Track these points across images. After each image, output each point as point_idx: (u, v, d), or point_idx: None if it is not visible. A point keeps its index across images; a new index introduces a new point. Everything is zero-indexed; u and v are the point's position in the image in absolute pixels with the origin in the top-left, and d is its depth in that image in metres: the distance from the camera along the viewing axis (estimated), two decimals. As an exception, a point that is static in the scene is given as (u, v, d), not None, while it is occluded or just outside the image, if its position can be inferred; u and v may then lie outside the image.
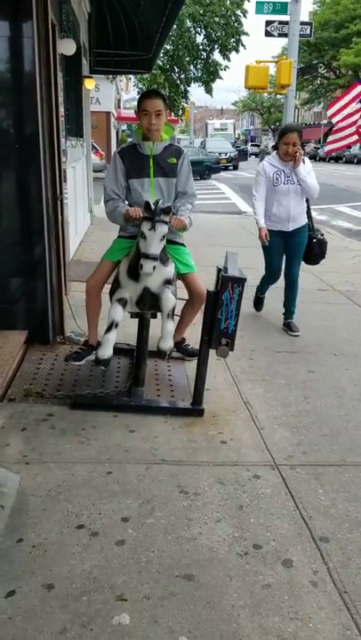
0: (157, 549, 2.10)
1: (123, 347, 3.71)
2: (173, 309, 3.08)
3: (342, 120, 8.35)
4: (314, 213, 6.71)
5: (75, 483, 2.46)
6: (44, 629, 1.74)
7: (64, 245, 4.18)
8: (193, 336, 3.48)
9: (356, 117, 7.86)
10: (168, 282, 3.06)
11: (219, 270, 3.05)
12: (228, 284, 2.92)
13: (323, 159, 35.63)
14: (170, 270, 3.09)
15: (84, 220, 8.63)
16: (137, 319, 3.31)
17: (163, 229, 2.84)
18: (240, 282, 2.93)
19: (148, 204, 2.82)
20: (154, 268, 2.85)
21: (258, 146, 53.00)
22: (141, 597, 1.88)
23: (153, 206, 2.81)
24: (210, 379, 3.28)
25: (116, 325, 3.01)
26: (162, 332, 3.02)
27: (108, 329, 3.00)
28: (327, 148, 8.95)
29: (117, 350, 3.17)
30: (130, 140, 3.44)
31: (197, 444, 2.86)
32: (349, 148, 36.44)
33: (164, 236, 2.88)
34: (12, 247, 3.69)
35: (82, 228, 8.12)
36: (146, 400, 3.26)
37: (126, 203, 3.25)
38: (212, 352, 3.07)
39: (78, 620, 1.78)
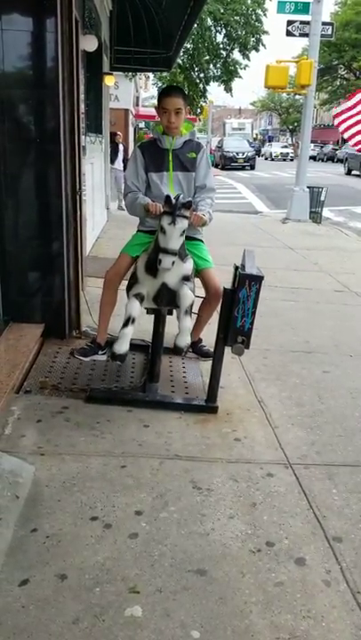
0: (170, 543, 2.10)
1: (138, 342, 3.72)
2: (191, 306, 3.07)
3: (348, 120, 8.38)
4: (331, 214, 6.61)
5: (89, 475, 2.48)
6: (56, 619, 1.76)
7: (82, 240, 4.20)
8: (208, 335, 3.47)
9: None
10: (186, 278, 3.05)
11: (236, 268, 3.04)
12: (246, 281, 2.91)
13: (340, 160, 35.38)
14: (188, 267, 3.08)
15: (101, 217, 8.67)
16: (153, 315, 3.32)
17: (183, 224, 2.84)
18: (257, 279, 2.92)
19: (168, 198, 2.82)
20: (173, 263, 2.85)
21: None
22: (154, 591, 1.89)
23: (174, 200, 2.81)
24: (224, 377, 3.28)
25: (133, 321, 3.01)
26: (179, 328, 3.02)
27: (125, 324, 3.00)
28: (352, 142, 8.83)
29: (133, 346, 3.18)
30: (150, 136, 3.47)
31: (211, 441, 2.86)
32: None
33: (183, 231, 2.87)
34: (31, 240, 3.72)
35: (99, 224, 8.16)
36: (160, 396, 3.27)
37: (145, 196, 3.26)
38: (227, 350, 3.07)
39: (91, 611, 1.79)
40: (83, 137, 4.61)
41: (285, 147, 46.61)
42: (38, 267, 3.78)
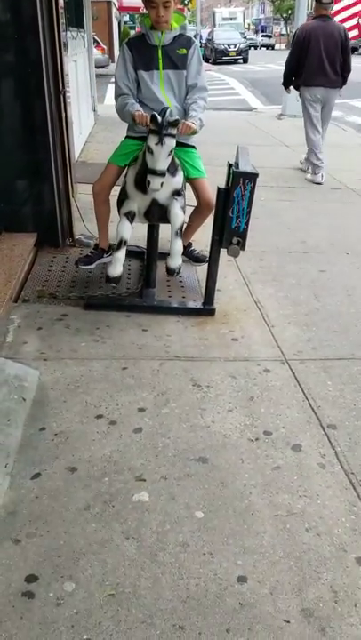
0: (173, 436, 2.21)
1: (133, 249, 3.69)
2: (182, 226, 3.03)
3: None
4: None
5: (92, 377, 2.56)
6: (69, 506, 1.88)
7: (69, 145, 4.05)
8: (204, 239, 3.44)
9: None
10: (177, 193, 2.98)
11: (230, 166, 2.95)
12: (240, 179, 2.84)
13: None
14: (178, 180, 2.98)
15: (88, 120, 8.31)
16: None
17: (171, 143, 2.71)
18: (252, 177, 2.84)
19: (154, 116, 2.66)
20: (161, 184, 2.76)
21: (269, 37, 49.74)
22: (159, 478, 2.00)
23: (160, 119, 2.66)
24: (221, 279, 3.29)
25: (125, 243, 2.97)
26: (170, 249, 2.98)
27: (118, 247, 2.96)
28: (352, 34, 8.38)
29: (128, 253, 3.15)
30: (133, 32, 3.22)
31: (209, 342, 2.93)
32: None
33: (171, 151, 2.75)
34: (16, 147, 3.58)
35: (86, 127, 7.83)
36: (158, 301, 3.30)
37: (136, 102, 3.08)
38: (223, 252, 3.05)
39: (101, 498, 1.91)
40: (63, 33, 4.31)
41: (269, 36, 44.47)
42: (26, 175, 3.67)
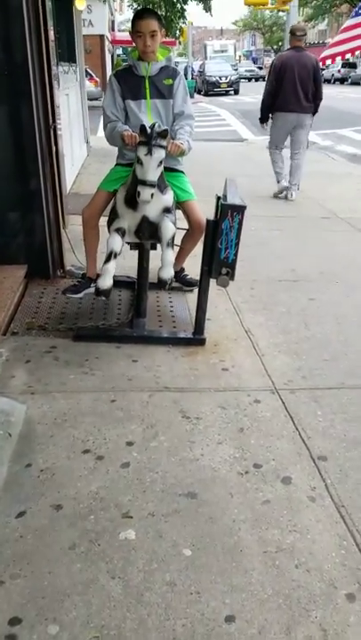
0: (161, 470, 2.18)
1: (123, 279, 3.71)
2: (173, 238, 3.03)
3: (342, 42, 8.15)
4: (318, 138, 6.63)
5: (80, 411, 2.53)
6: (53, 545, 1.84)
7: (60, 177, 4.09)
8: (194, 269, 3.46)
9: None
10: (167, 210, 3.00)
11: (218, 198, 2.99)
12: (228, 212, 2.87)
13: (327, 80, 34.15)
14: (168, 198, 3.02)
15: (81, 151, 8.41)
16: (137, 251, 3.29)
17: (160, 154, 2.76)
18: (240, 209, 2.87)
19: (143, 127, 2.72)
20: (152, 195, 2.78)
21: (260, 68, 50.84)
22: (146, 514, 1.97)
23: (149, 130, 2.72)
24: (211, 309, 3.30)
25: (115, 255, 2.97)
26: (162, 261, 2.99)
27: (107, 259, 2.96)
28: (322, 55, 8.64)
29: (118, 283, 3.17)
30: (125, 64, 3.32)
31: (199, 372, 2.91)
32: (354, 67, 34.96)
33: (161, 162, 2.79)
34: (7, 180, 3.62)
35: (78, 159, 7.92)
36: (148, 331, 3.29)
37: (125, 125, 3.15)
38: (213, 282, 3.07)
39: (86, 537, 1.87)
40: (54, 66, 4.40)
41: (260, 68, 45.89)
42: (16, 207, 3.69)
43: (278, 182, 6.73)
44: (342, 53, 8.57)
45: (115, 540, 1.87)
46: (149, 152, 2.72)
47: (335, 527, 1.96)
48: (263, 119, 6.64)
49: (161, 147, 2.75)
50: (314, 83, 6.27)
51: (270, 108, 6.45)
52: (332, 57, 8.73)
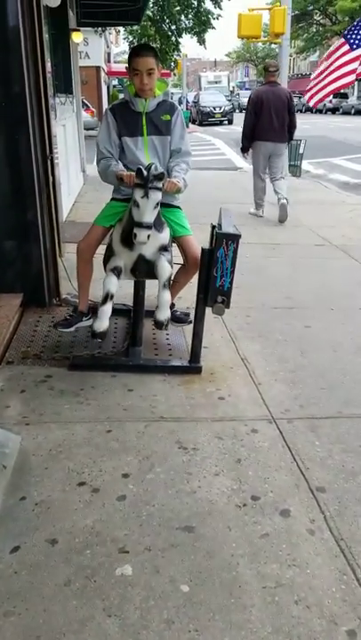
0: (158, 503, 2.14)
1: (120, 307, 3.70)
2: (169, 279, 3.02)
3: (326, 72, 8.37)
4: (311, 167, 6.81)
5: (75, 442, 2.50)
6: (48, 582, 1.80)
7: (56, 206, 4.12)
8: (190, 297, 3.46)
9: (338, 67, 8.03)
10: (164, 248, 2.98)
11: (213, 227, 3.01)
12: (223, 240, 2.89)
13: (319, 111, 34.81)
14: (165, 236, 3.01)
15: (77, 180, 8.50)
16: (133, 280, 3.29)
17: (156, 196, 2.74)
18: (234, 238, 2.89)
19: (140, 170, 2.70)
20: (148, 236, 2.77)
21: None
22: (143, 549, 1.93)
23: (145, 172, 2.70)
24: (207, 336, 3.29)
25: (112, 297, 2.95)
26: (158, 302, 2.96)
27: (104, 301, 2.94)
28: (312, 102, 8.98)
29: (114, 311, 3.15)
30: (122, 95, 3.31)
31: (196, 401, 2.89)
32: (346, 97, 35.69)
33: (157, 204, 2.78)
34: (3, 209, 3.64)
35: (75, 188, 8.00)
36: (144, 359, 3.28)
37: (120, 163, 3.15)
38: (209, 310, 3.07)
39: (82, 573, 1.83)
40: (51, 98, 4.47)
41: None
42: (13, 236, 3.71)
43: (256, 209, 7.33)
44: (332, 92, 8.89)
45: (111, 575, 1.83)
46: (146, 195, 2.70)
47: (335, 561, 1.93)
48: (244, 149, 7.28)
49: (157, 189, 2.74)
50: (288, 113, 6.90)
51: (250, 138, 7.07)
52: (322, 99, 9.03)
